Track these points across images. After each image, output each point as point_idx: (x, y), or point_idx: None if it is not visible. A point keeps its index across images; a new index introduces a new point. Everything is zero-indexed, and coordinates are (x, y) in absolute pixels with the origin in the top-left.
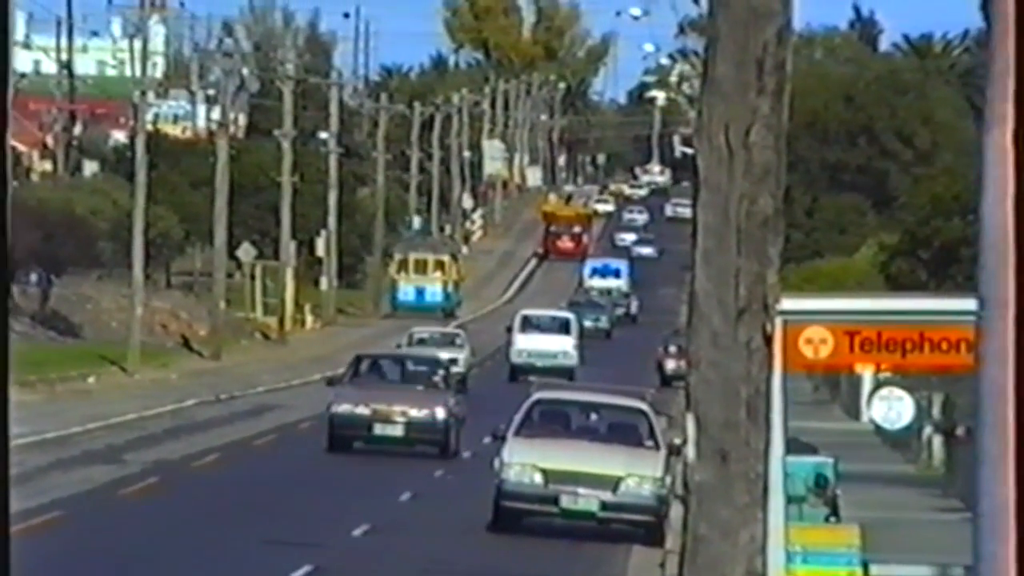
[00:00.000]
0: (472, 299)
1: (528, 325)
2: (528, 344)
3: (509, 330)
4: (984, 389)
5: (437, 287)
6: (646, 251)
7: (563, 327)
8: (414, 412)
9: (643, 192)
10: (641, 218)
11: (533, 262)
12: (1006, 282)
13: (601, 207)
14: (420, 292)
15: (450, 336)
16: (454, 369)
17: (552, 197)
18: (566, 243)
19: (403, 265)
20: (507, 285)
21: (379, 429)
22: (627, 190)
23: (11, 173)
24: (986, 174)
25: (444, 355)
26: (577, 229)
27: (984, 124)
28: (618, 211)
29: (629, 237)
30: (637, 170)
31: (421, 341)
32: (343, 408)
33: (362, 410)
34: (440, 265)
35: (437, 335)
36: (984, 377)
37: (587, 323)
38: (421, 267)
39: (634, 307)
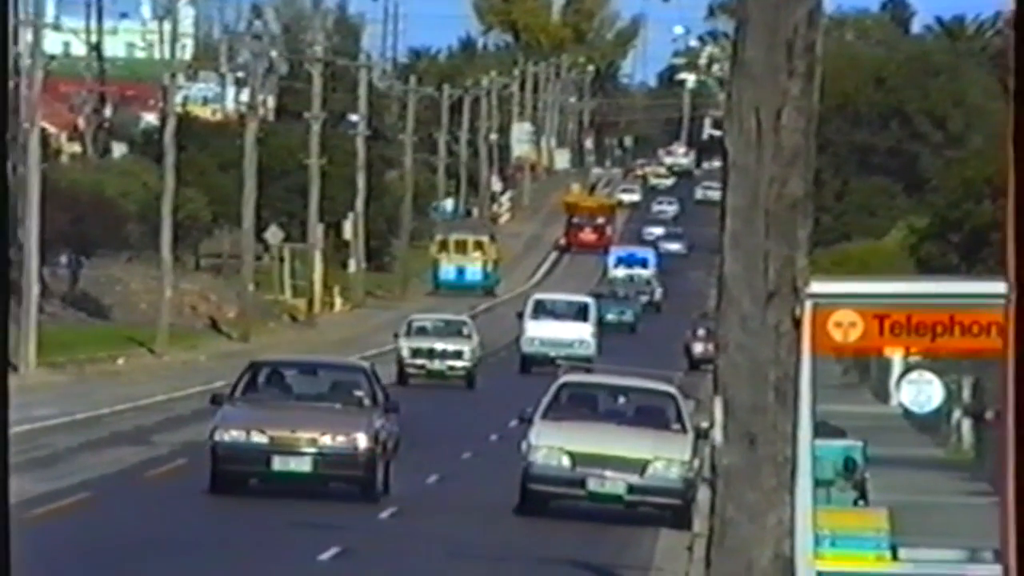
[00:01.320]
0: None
1: (541, 310)
2: (540, 331)
3: (520, 316)
4: (1013, 372)
5: (477, 266)
6: (674, 247)
7: (580, 313)
8: (327, 439)
9: (669, 182)
10: (671, 209)
11: (554, 254)
12: None
13: (627, 197)
14: (461, 271)
15: (456, 325)
16: (458, 363)
17: (575, 187)
18: (588, 235)
19: (444, 245)
20: (535, 269)
21: (279, 463)
22: (652, 179)
23: (41, 166)
24: (1015, 156)
25: (448, 346)
26: (600, 220)
27: (1015, 104)
28: (646, 201)
29: (657, 231)
30: (660, 152)
31: (422, 330)
32: (231, 435)
33: (257, 437)
34: (479, 245)
35: (440, 324)
36: (1013, 361)
37: (610, 316)
38: (461, 247)
39: (658, 294)
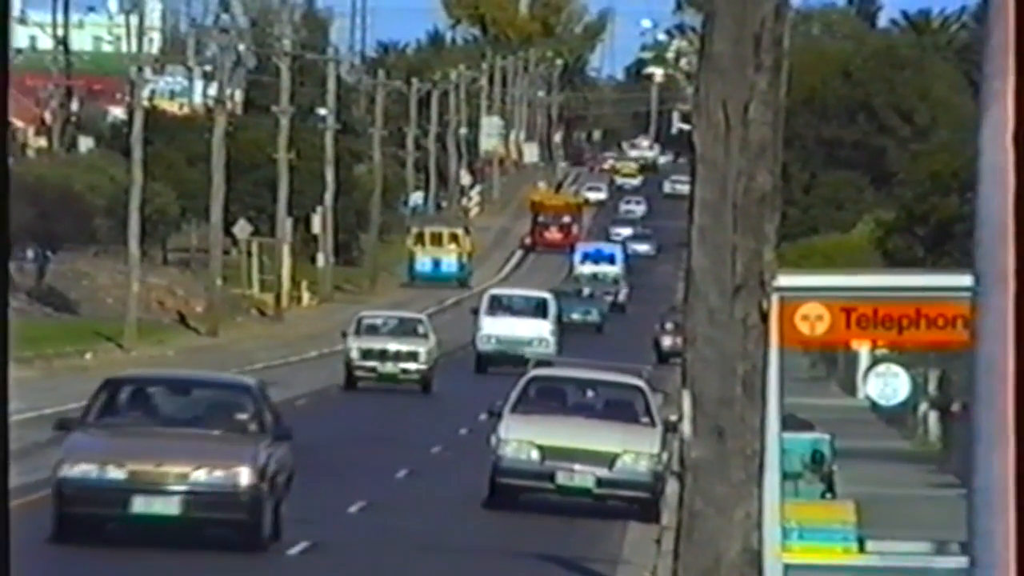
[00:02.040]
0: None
1: (497, 306)
2: (496, 328)
3: (476, 312)
4: (979, 365)
5: (452, 258)
6: (643, 248)
7: (538, 309)
8: (201, 474)
9: (636, 181)
10: (639, 209)
11: (520, 253)
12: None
13: (593, 195)
14: (436, 263)
15: (410, 323)
16: (412, 366)
17: (541, 185)
18: (554, 234)
19: (420, 238)
20: (502, 264)
21: (141, 504)
22: (618, 178)
23: (10, 161)
24: (983, 151)
25: (402, 347)
26: (566, 219)
27: (981, 101)
28: (613, 200)
29: (625, 231)
30: (625, 145)
31: (372, 329)
32: (80, 470)
33: (113, 473)
34: (454, 238)
35: (393, 321)
36: (979, 353)
37: (575, 316)
38: (437, 240)
39: (623, 295)
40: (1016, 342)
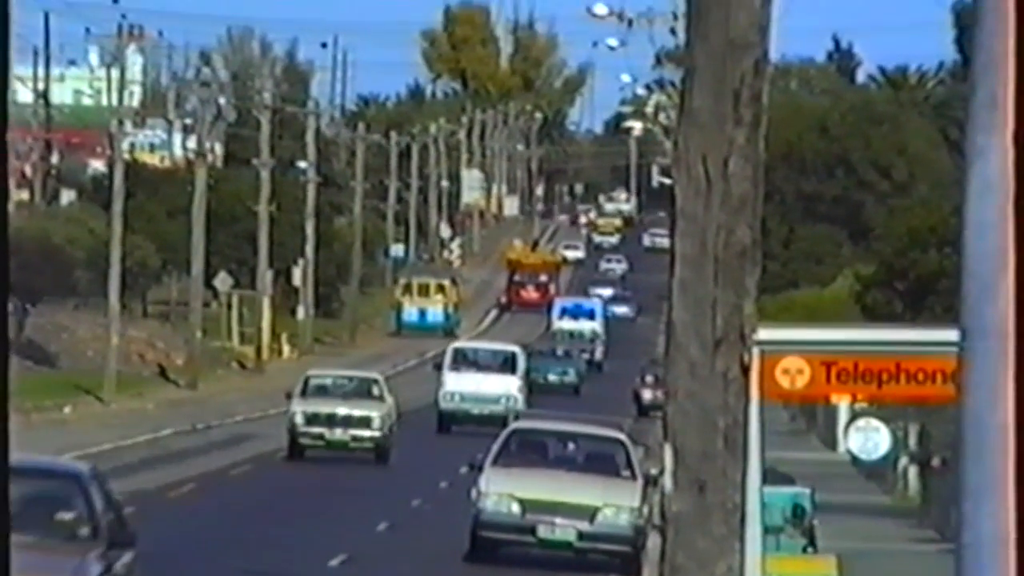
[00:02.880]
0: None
1: (461, 360)
2: (461, 385)
3: (438, 367)
4: (965, 420)
5: (439, 308)
6: (621, 310)
7: (506, 364)
8: None
9: (614, 239)
10: (620, 268)
11: (494, 312)
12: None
13: (571, 253)
14: (423, 313)
15: (364, 384)
16: (366, 432)
17: (517, 243)
18: (531, 293)
19: (407, 289)
20: (483, 316)
21: None
22: (596, 236)
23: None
24: (968, 207)
25: (353, 411)
26: (543, 278)
27: (966, 157)
28: (591, 259)
29: (605, 292)
30: (602, 198)
31: (320, 390)
32: None
33: None
34: (441, 288)
35: (344, 381)
36: (965, 408)
37: (551, 377)
38: (424, 291)
39: (599, 353)
40: (1018, 398)
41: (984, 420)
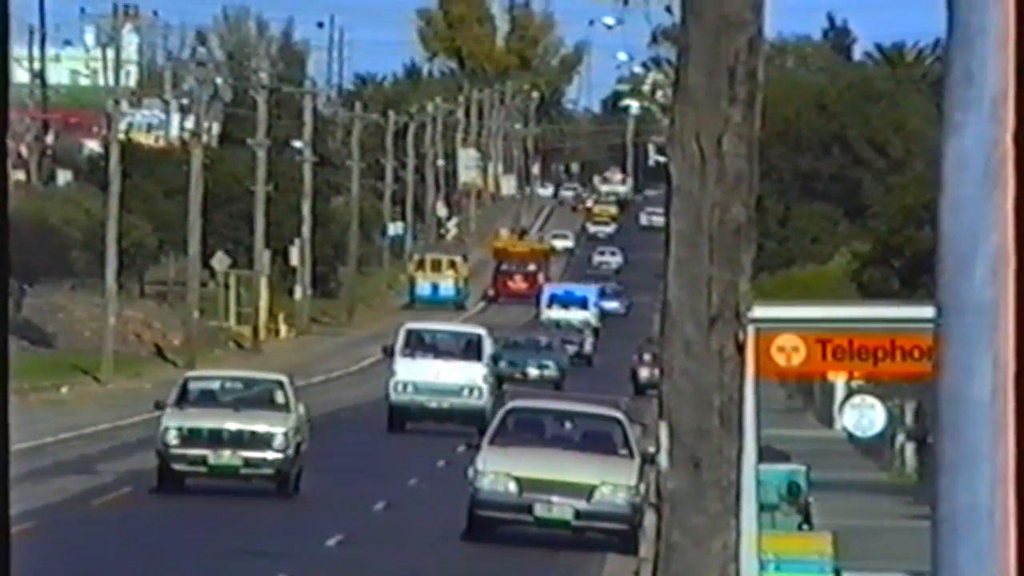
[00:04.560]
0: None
1: (416, 344)
2: (414, 373)
3: (389, 352)
4: (942, 396)
5: (450, 283)
6: (611, 305)
7: (469, 349)
8: None
9: (609, 229)
10: (614, 261)
11: (481, 304)
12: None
13: (560, 243)
14: (435, 287)
15: (265, 388)
16: (263, 455)
17: (503, 232)
18: (518, 283)
19: (420, 264)
20: (481, 294)
21: None
22: (590, 225)
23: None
24: (945, 184)
25: (247, 426)
26: (532, 267)
27: (943, 134)
28: (582, 248)
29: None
30: (597, 179)
31: (205, 397)
32: None
33: None
34: (452, 264)
35: (237, 386)
36: (942, 384)
37: (531, 371)
38: (436, 266)
39: (588, 345)
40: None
41: (960, 395)
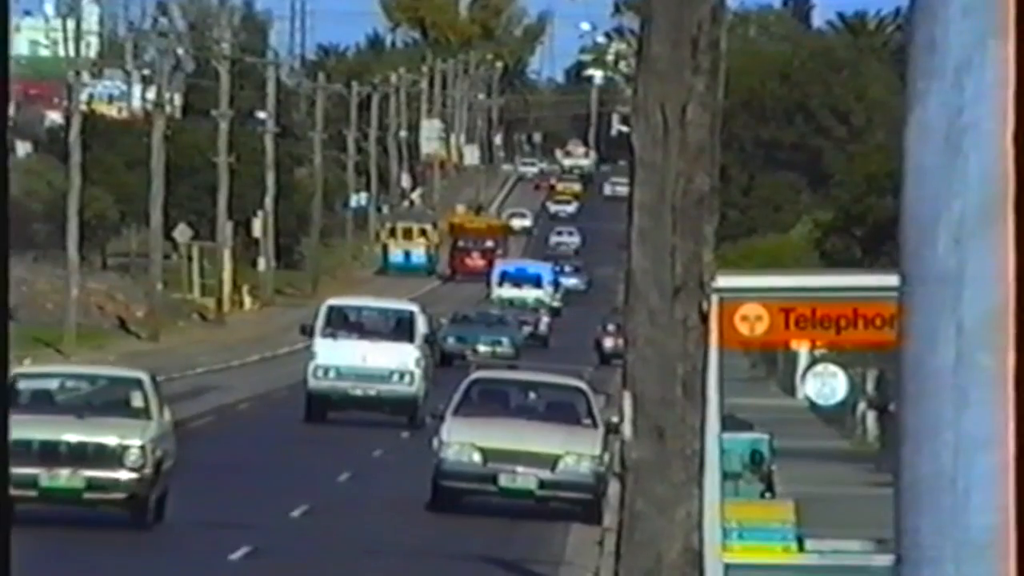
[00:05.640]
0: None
1: (339, 323)
2: (336, 356)
3: (307, 331)
4: (906, 365)
5: (421, 250)
6: (571, 282)
7: (399, 328)
8: None
9: (571, 208)
10: (573, 242)
11: (436, 283)
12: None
13: (517, 222)
14: (407, 255)
15: (117, 388)
16: (113, 474)
17: (460, 208)
18: (476, 260)
19: (392, 232)
20: (446, 264)
21: None
22: (552, 205)
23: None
24: (908, 152)
25: (94, 438)
26: (489, 244)
27: (906, 102)
28: (540, 228)
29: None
30: (559, 153)
31: (40, 398)
32: None
33: None
34: (423, 232)
35: (82, 385)
36: (906, 353)
37: (482, 348)
38: (408, 234)
39: (543, 325)
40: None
41: (923, 364)
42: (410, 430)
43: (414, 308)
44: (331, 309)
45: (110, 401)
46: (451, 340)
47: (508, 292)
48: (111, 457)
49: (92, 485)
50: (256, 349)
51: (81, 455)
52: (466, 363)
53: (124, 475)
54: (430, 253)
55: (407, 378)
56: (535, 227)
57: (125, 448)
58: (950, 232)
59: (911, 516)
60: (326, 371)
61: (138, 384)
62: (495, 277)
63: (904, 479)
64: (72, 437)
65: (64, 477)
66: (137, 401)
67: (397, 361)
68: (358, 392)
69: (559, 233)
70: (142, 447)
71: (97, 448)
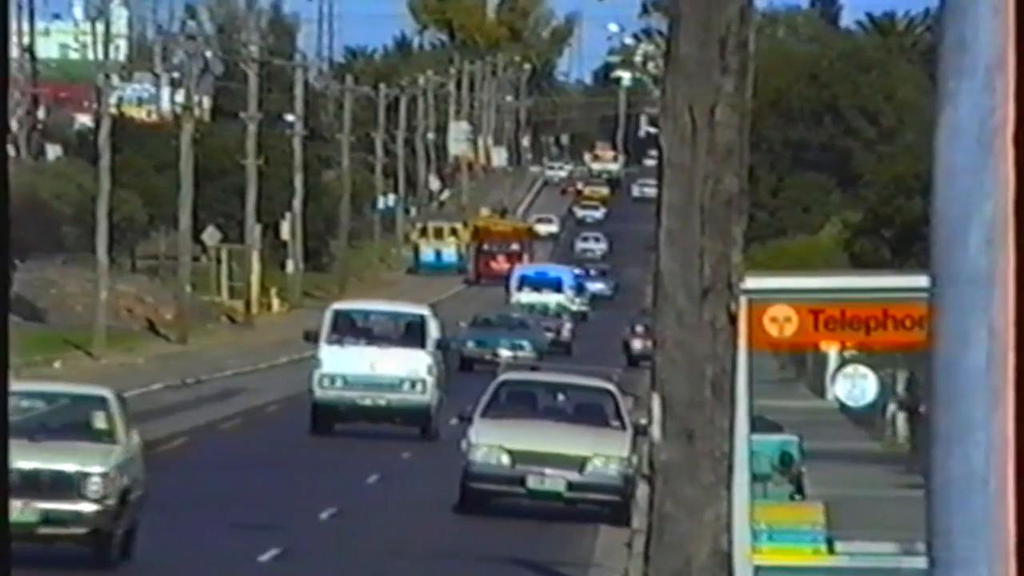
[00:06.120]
0: (439, 281)
1: (346, 328)
2: (344, 364)
3: (311, 338)
4: (936, 365)
5: (452, 250)
6: (598, 286)
7: (410, 334)
8: None
9: (598, 214)
10: (599, 248)
11: (461, 287)
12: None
13: (544, 228)
14: (438, 254)
15: (77, 408)
16: (73, 506)
17: (485, 211)
18: (501, 263)
19: (423, 232)
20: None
21: None
22: (578, 209)
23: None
24: (938, 153)
25: (52, 465)
26: (515, 247)
27: (937, 102)
28: (567, 234)
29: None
30: (587, 157)
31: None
32: None
33: None
34: (454, 231)
35: (37, 404)
36: (937, 354)
37: (503, 352)
38: (439, 233)
39: (566, 331)
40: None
41: (955, 365)
42: (423, 442)
43: (425, 312)
44: (337, 314)
45: (69, 423)
46: (470, 344)
47: (528, 297)
48: (70, 486)
49: (48, 519)
50: (284, 351)
51: (35, 484)
52: (489, 366)
53: (85, 507)
54: (461, 252)
55: (419, 387)
56: (562, 232)
57: (86, 476)
58: (981, 233)
59: (943, 518)
60: (332, 380)
61: (102, 403)
62: (514, 281)
63: (936, 480)
64: (25, 464)
65: (16, 510)
66: (100, 422)
67: (408, 369)
68: (367, 402)
69: (585, 239)
70: (105, 474)
71: (54, 476)
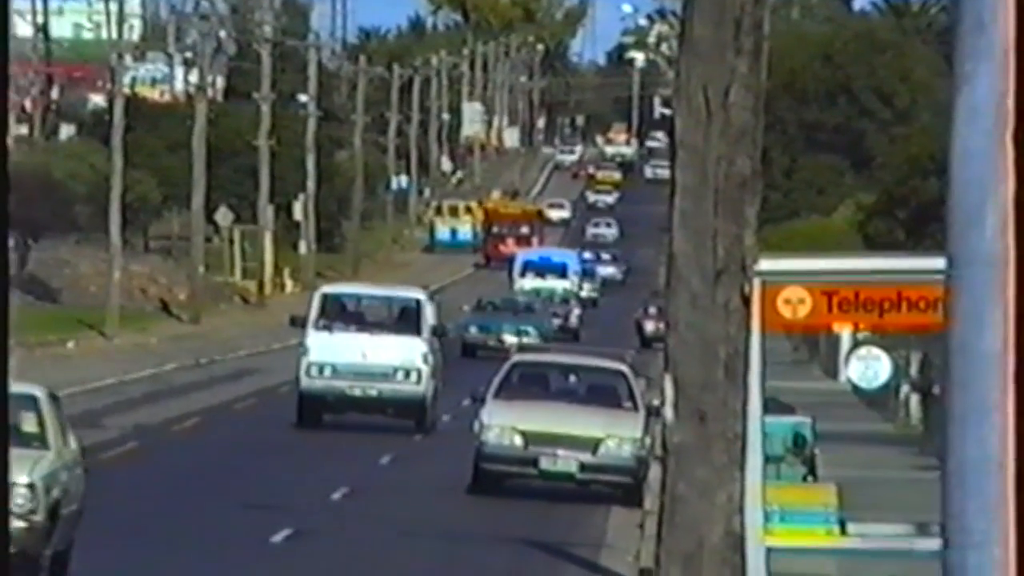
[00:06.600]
0: (452, 262)
1: (336, 313)
2: (332, 352)
3: (299, 323)
4: (953, 347)
5: (467, 228)
6: (608, 271)
7: (404, 319)
8: None
9: (610, 199)
10: (610, 233)
11: (471, 270)
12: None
13: (555, 213)
14: (454, 232)
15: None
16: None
17: (495, 194)
18: (511, 247)
19: (439, 210)
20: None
21: None
22: (590, 193)
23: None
24: (954, 132)
25: None
26: (525, 229)
27: (954, 84)
28: (578, 220)
29: (592, 258)
30: (600, 140)
31: None
32: None
33: None
34: (468, 210)
35: None
36: (953, 335)
37: (507, 338)
38: (454, 212)
39: (574, 318)
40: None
41: (971, 347)
42: (419, 434)
43: (421, 296)
44: (326, 297)
45: None
46: (473, 329)
47: (531, 283)
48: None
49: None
50: (297, 332)
51: None
52: (493, 352)
53: (12, 524)
54: (475, 230)
55: (413, 376)
56: (574, 218)
57: (9, 487)
58: (998, 215)
59: (957, 499)
60: (320, 369)
61: (31, 403)
62: (517, 266)
63: (951, 462)
64: None
65: None
66: (28, 425)
67: (401, 357)
68: (357, 392)
69: (596, 224)
70: (30, 486)
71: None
